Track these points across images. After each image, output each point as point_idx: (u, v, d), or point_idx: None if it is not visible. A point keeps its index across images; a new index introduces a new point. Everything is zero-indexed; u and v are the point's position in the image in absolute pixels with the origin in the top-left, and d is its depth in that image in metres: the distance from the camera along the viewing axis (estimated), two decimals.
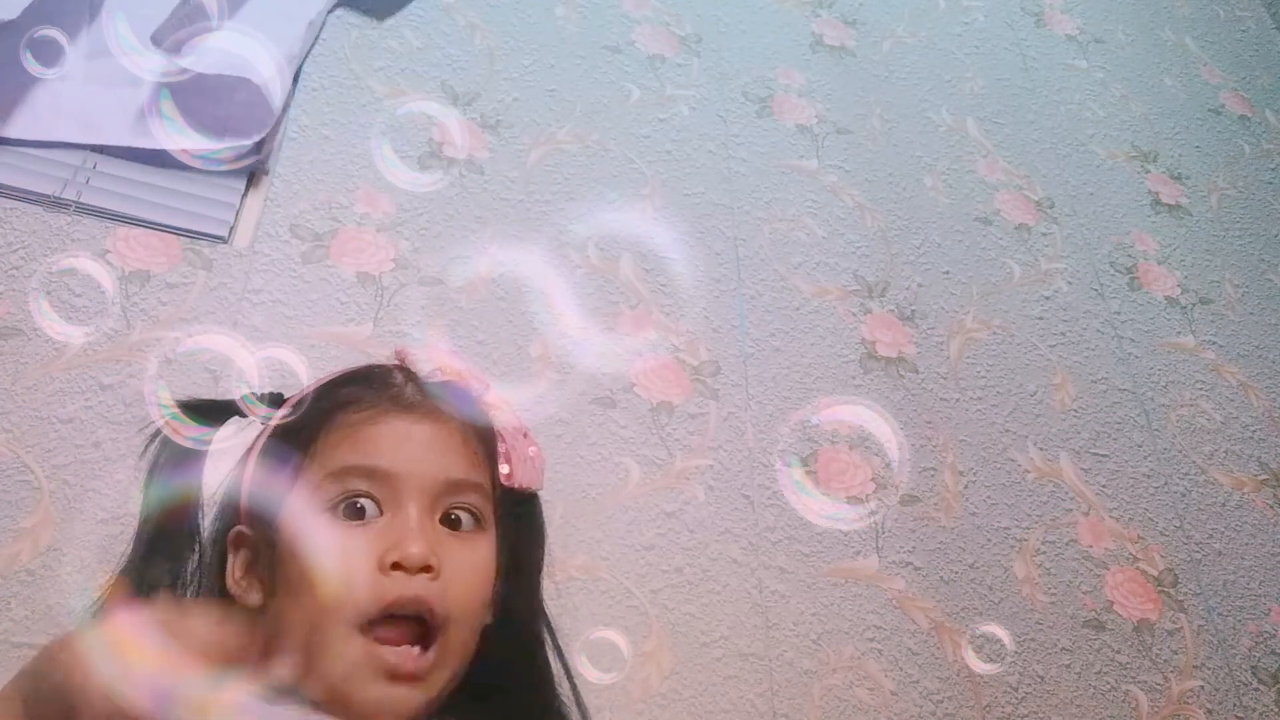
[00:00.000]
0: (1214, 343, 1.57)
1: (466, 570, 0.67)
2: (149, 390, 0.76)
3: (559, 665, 0.75)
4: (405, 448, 0.67)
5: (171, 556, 0.71)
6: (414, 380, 0.74)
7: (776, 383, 1.32)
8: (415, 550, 0.63)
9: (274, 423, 0.74)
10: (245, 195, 1.27)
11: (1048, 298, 1.54)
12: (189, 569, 0.72)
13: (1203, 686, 1.21)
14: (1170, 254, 1.66)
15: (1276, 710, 1.22)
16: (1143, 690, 1.19)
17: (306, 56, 1.40)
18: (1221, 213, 1.76)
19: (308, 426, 0.69)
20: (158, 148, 1.24)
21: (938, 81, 1.78)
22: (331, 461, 0.66)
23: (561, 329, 1.30)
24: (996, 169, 1.68)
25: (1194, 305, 1.61)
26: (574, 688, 0.75)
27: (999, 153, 1.71)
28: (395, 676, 0.62)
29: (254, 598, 0.69)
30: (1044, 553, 1.27)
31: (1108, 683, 1.19)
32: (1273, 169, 1.87)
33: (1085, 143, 1.78)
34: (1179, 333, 1.56)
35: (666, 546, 1.15)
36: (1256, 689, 1.23)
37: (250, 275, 1.20)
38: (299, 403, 0.73)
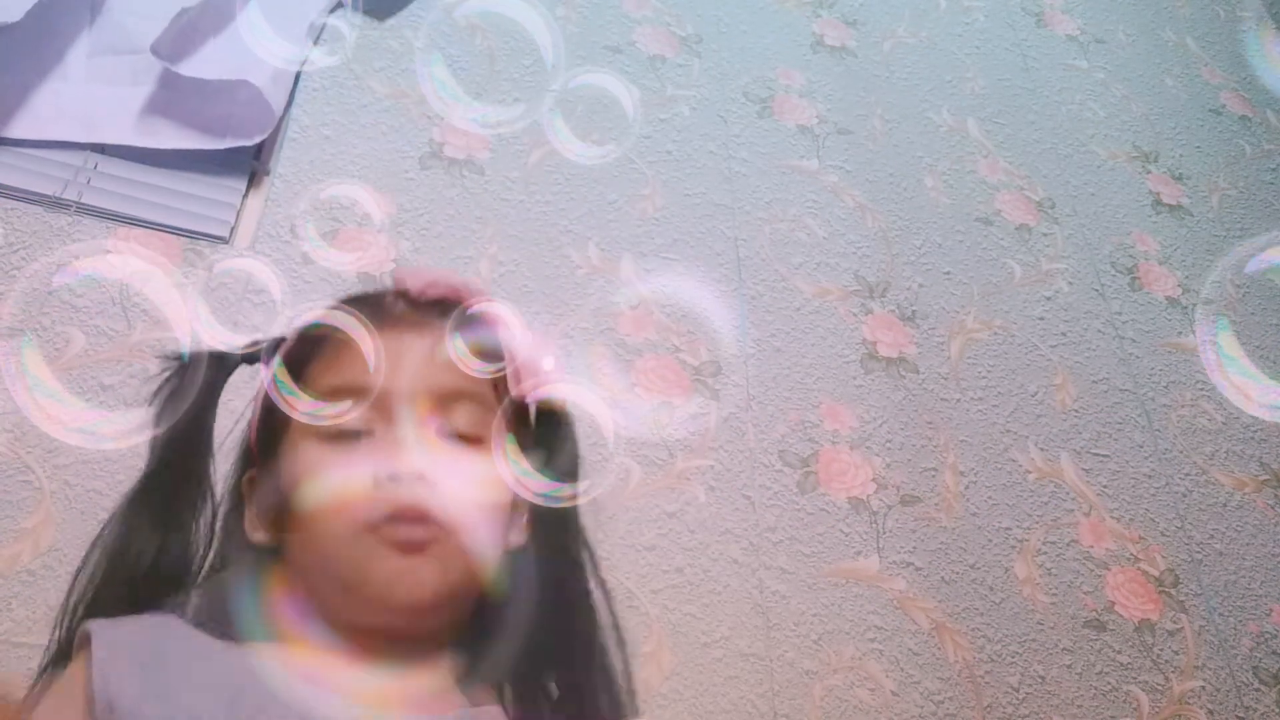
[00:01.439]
0: (1215, 343, 1.57)
1: (468, 479, 0.65)
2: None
3: (600, 593, 0.72)
4: (393, 362, 0.66)
5: (180, 511, 0.70)
6: (405, 298, 0.72)
7: (777, 383, 1.32)
8: (406, 462, 0.62)
9: (274, 359, 0.73)
10: (246, 196, 1.27)
11: (1049, 298, 1.53)
12: (202, 524, 0.71)
13: (1204, 687, 1.21)
14: (1171, 254, 1.66)
15: (1277, 711, 1.22)
16: (1144, 690, 1.19)
17: (305, 58, 1.40)
18: (1222, 213, 1.76)
19: (299, 358, 0.68)
20: (159, 147, 1.24)
21: (938, 82, 1.78)
22: (320, 386, 0.65)
23: (563, 330, 1.30)
24: (997, 169, 1.68)
25: (1195, 305, 1.61)
26: (614, 615, 0.72)
27: (1000, 153, 1.71)
28: (407, 549, 0.61)
29: (262, 537, 0.68)
30: (1045, 553, 1.27)
31: (1109, 683, 1.19)
32: (1273, 169, 1.87)
33: (1086, 143, 1.78)
34: (1180, 333, 1.56)
35: (667, 547, 1.15)
36: (1258, 689, 1.23)
37: (251, 276, 1.20)
38: (291, 335, 0.72)
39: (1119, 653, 1.21)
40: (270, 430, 0.69)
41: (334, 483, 0.63)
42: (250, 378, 0.72)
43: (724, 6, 1.75)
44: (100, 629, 0.60)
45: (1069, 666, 1.19)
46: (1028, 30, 1.95)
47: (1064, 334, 1.50)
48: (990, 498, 1.30)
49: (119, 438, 0.66)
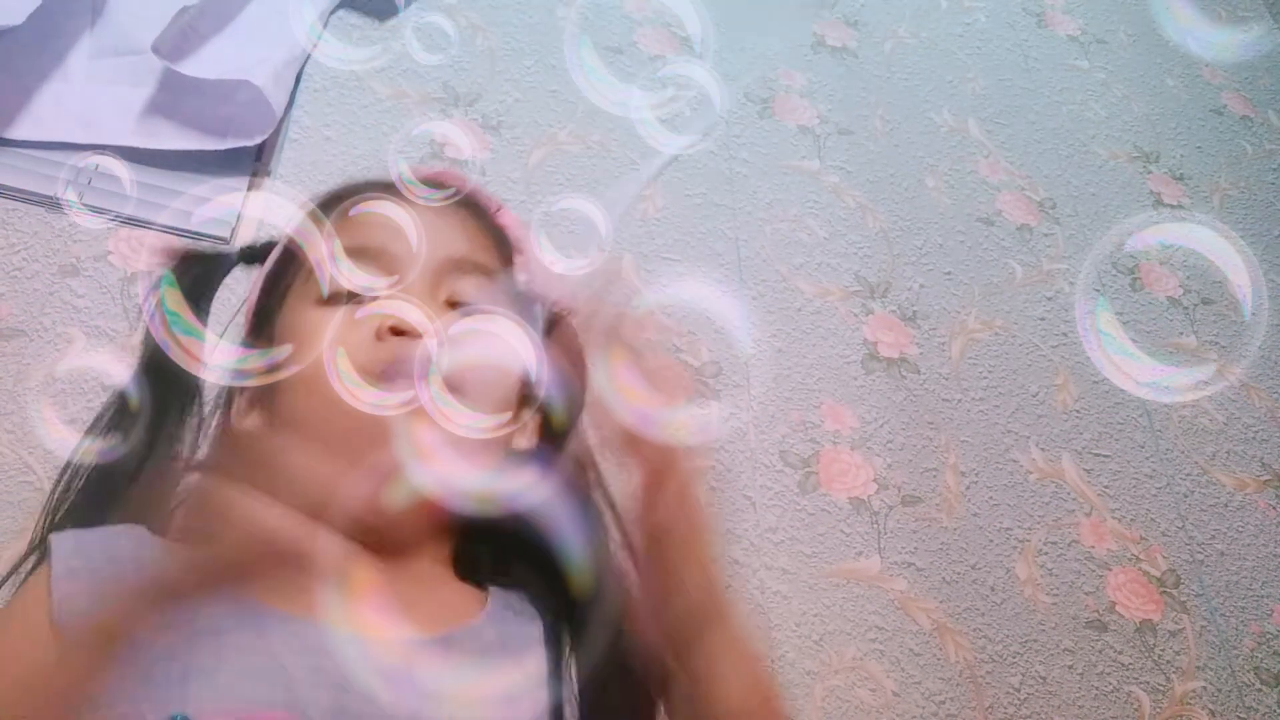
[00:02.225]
0: (1216, 343, 1.57)
1: (475, 344, 0.62)
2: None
3: (608, 509, 0.70)
4: (402, 229, 0.64)
5: (168, 410, 0.68)
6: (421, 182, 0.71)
7: (778, 384, 1.32)
8: (412, 313, 0.60)
9: (275, 251, 0.71)
10: (247, 196, 1.27)
11: (1050, 298, 1.53)
12: (189, 426, 0.68)
13: (1205, 687, 1.21)
14: (1173, 255, 1.66)
15: (1279, 711, 1.22)
16: (1145, 691, 1.19)
17: (309, 58, 1.40)
18: (1223, 213, 1.76)
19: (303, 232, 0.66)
20: (160, 148, 1.24)
21: (939, 82, 1.78)
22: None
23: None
24: (998, 169, 1.68)
25: (1196, 306, 1.61)
26: (622, 530, 0.69)
27: (1001, 153, 1.70)
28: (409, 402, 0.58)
29: (253, 422, 0.66)
30: (1046, 553, 1.27)
31: (1110, 684, 1.19)
32: (1275, 170, 1.87)
33: (1087, 143, 1.78)
34: (1181, 333, 1.56)
35: None
36: (1259, 690, 1.22)
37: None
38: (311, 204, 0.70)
39: (1120, 653, 1.21)
40: (266, 309, 0.68)
41: (333, 338, 0.60)
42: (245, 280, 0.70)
43: (725, 7, 1.75)
44: (61, 554, 0.56)
45: (1070, 667, 1.19)
46: (1029, 31, 1.95)
47: (1065, 334, 1.50)
48: (991, 498, 1.30)
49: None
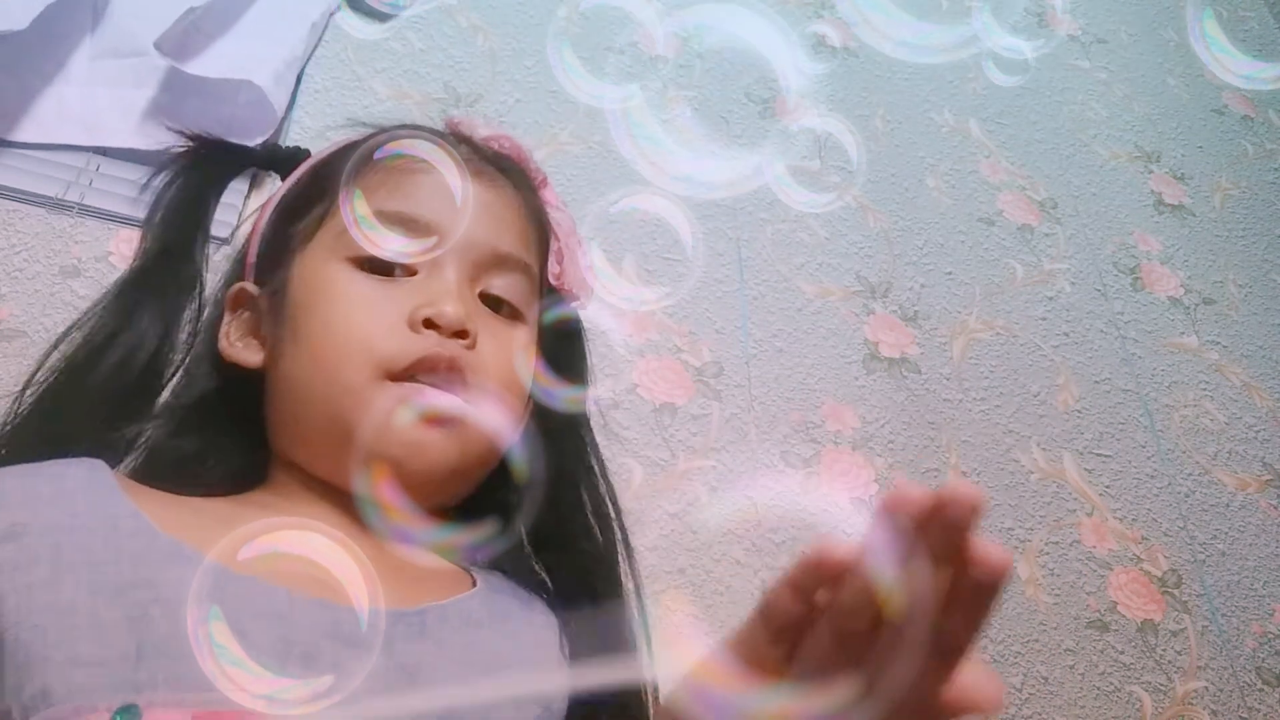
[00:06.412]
0: (1217, 343, 1.57)
1: (503, 352, 0.59)
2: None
3: (606, 489, 0.68)
4: (455, 206, 0.59)
5: (168, 295, 0.64)
6: (470, 143, 0.66)
7: (779, 384, 1.32)
8: (451, 310, 0.56)
9: (300, 170, 0.66)
10: (248, 197, 1.27)
11: (1051, 298, 1.53)
12: (184, 317, 0.65)
13: (1207, 687, 1.21)
14: (1173, 254, 1.66)
15: None
16: (1146, 691, 1.19)
17: (309, 58, 1.40)
18: (1225, 213, 1.76)
19: (339, 169, 0.60)
20: (161, 148, 1.24)
21: (940, 82, 1.78)
22: (369, 208, 0.59)
23: None
24: (999, 169, 1.68)
25: (1197, 305, 1.60)
26: (616, 509, 0.68)
27: (1001, 153, 1.70)
28: (429, 419, 0.56)
29: (252, 357, 0.62)
30: (1047, 553, 1.27)
31: (1111, 684, 1.19)
32: (1276, 169, 1.87)
33: (1088, 143, 1.78)
34: (1182, 333, 1.56)
35: (669, 548, 1.15)
36: (1261, 690, 1.22)
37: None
38: (332, 153, 0.65)
39: (1122, 653, 1.21)
40: (280, 243, 0.63)
41: (362, 311, 0.56)
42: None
43: (724, 6, 1.75)
44: (5, 503, 0.51)
45: (1072, 667, 1.19)
46: (1029, 30, 1.94)
47: (1066, 334, 1.50)
48: (993, 498, 1.30)
49: None
